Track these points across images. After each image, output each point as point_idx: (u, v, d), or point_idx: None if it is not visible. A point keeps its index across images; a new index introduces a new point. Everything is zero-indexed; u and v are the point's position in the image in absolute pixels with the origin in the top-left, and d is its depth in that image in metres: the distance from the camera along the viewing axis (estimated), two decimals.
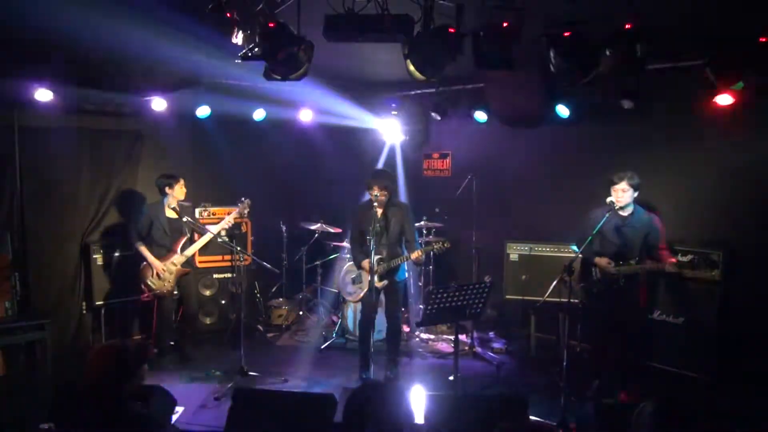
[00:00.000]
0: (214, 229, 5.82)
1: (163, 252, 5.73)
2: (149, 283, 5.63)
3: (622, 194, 4.80)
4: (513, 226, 6.89)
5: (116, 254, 6.23)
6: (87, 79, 5.52)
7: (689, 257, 4.93)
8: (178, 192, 5.78)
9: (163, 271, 5.62)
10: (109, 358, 2.62)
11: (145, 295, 5.67)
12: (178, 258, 5.73)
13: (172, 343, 6.24)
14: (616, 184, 4.83)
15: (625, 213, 4.87)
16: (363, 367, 5.51)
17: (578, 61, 3.72)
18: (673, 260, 4.69)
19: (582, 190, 6.07)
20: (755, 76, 4.09)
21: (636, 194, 4.82)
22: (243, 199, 6.17)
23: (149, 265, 5.65)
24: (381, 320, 5.64)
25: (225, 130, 6.91)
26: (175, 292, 5.87)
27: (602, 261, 4.85)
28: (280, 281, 7.37)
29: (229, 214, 6.44)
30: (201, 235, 5.88)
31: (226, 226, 5.94)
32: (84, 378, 2.59)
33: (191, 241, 5.90)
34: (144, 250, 5.66)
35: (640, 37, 3.60)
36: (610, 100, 5.53)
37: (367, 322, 5.42)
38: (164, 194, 5.76)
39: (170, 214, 5.80)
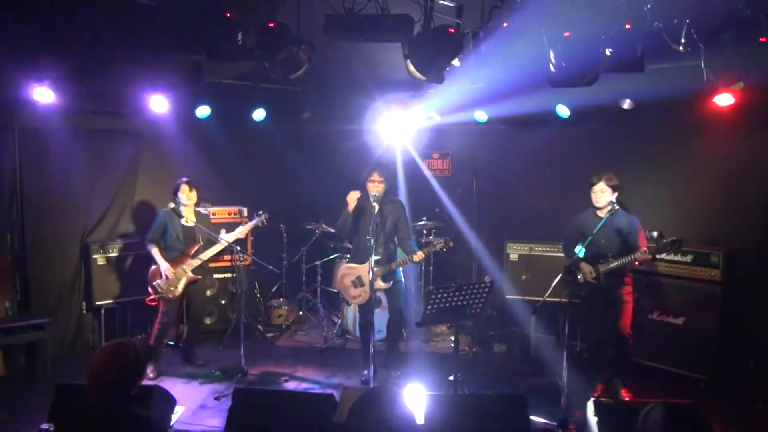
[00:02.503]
0: (226, 239, 5.76)
1: (175, 256, 5.61)
2: (156, 286, 5.49)
3: (601, 195, 4.83)
4: (513, 226, 6.89)
5: (116, 254, 6.24)
6: (87, 79, 5.52)
7: (656, 241, 4.85)
8: (183, 197, 5.61)
9: (172, 274, 5.49)
10: (119, 357, 2.58)
11: (151, 297, 5.56)
12: (189, 264, 5.62)
13: (171, 343, 6.24)
14: (594, 184, 4.86)
15: (605, 215, 4.88)
16: (366, 366, 5.51)
17: (578, 61, 3.73)
18: (643, 248, 4.68)
19: (582, 190, 6.05)
20: (755, 76, 4.08)
21: (615, 195, 4.81)
22: (261, 212, 6.06)
23: (158, 267, 5.53)
24: (381, 320, 5.64)
25: (225, 130, 6.91)
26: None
27: (585, 268, 4.87)
28: (280, 281, 7.37)
29: (229, 213, 6.45)
30: (212, 243, 5.77)
31: (241, 237, 5.85)
32: (90, 377, 2.54)
33: (204, 249, 5.77)
34: (155, 252, 5.53)
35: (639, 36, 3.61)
36: (609, 100, 5.53)
37: (366, 323, 5.43)
38: (176, 198, 5.63)
39: (186, 221, 5.66)
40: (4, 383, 5.34)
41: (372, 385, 4.90)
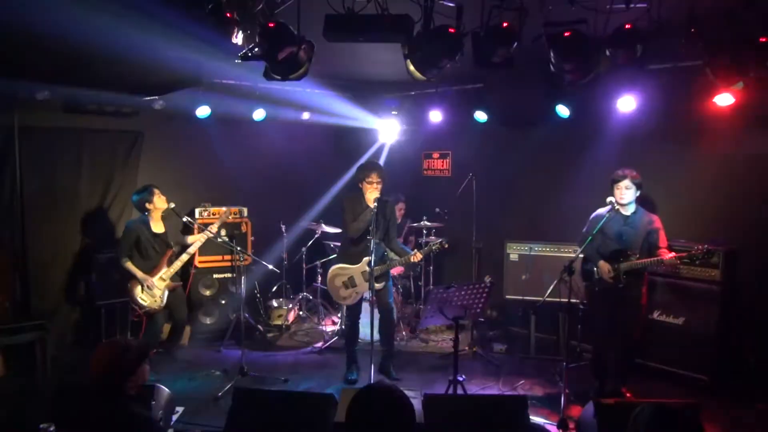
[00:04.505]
0: (199, 240, 5.74)
1: (151, 267, 5.50)
2: (139, 300, 5.39)
3: (625, 191, 4.80)
4: (513, 226, 6.89)
5: (116, 254, 6.23)
6: (87, 79, 5.52)
7: (683, 253, 4.85)
8: (159, 203, 5.50)
9: (152, 283, 5.39)
10: (111, 354, 2.64)
11: (136, 314, 5.46)
12: (166, 272, 5.52)
13: (158, 350, 5.98)
14: (618, 181, 4.84)
15: (627, 212, 4.88)
16: (349, 368, 5.54)
17: (578, 61, 3.72)
18: (673, 255, 4.69)
19: (582, 189, 6.07)
20: (755, 76, 4.08)
21: (638, 193, 4.83)
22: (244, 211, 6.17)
23: (137, 281, 5.41)
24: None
25: (225, 130, 6.91)
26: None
27: (604, 267, 4.85)
28: (280, 281, 7.38)
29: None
30: (185, 248, 5.73)
31: (210, 235, 5.74)
32: (87, 376, 2.60)
33: (177, 255, 5.69)
34: (130, 266, 5.40)
35: (639, 36, 3.61)
36: (609, 100, 5.53)
37: (353, 323, 5.48)
38: (146, 210, 5.50)
39: (156, 228, 5.56)
40: (4, 383, 5.34)
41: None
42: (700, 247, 4.61)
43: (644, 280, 4.91)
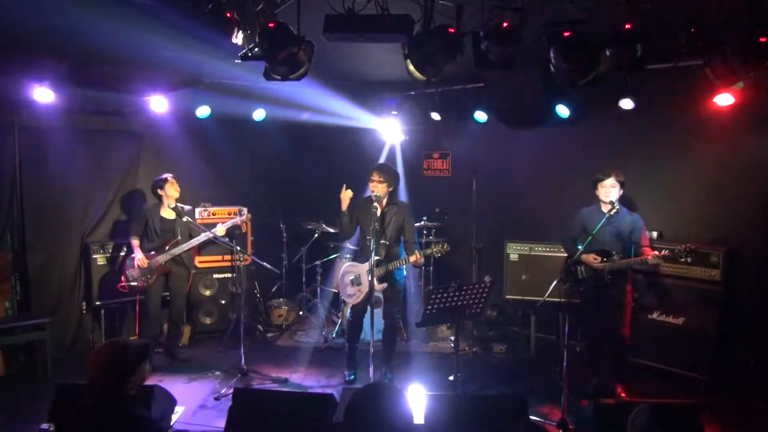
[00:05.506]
0: (208, 234, 5.85)
1: (151, 249, 5.76)
2: (127, 273, 5.71)
3: (611, 190, 4.83)
4: (513, 226, 6.89)
5: (116, 254, 6.24)
6: (87, 79, 5.52)
7: (665, 252, 4.83)
8: (170, 191, 5.77)
9: (144, 264, 5.64)
10: (110, 354, 2.64)
11: (121, 284, 5.73)
12: (162, 256, 5.73)
13: (158, 350, 6.07)
14: (603, 180, 4.86)
15: (611, 212, 4.90)
16: (349, 368, 5.53)
17: (578, 61, 3.72)
18: (656, 253, 4.70)
19: (582, 190, 6.05)
20: (755, 76, 4.08)
21: (621, 191, 4.84)
22: (243, 212, 6.45)
23: (132, 256, 5.73)
24: (380, 320, 5.63)
25: (225, 130, 6.90)
26: (166, 294, 5.92)
27: (589, 257, 4.88)
28: (280, 281, 7.38)
29: (229, 213, 6.46)
30: (191, 238, 5.87)
31: (220, 233, 5.88)
32: (86, 376, 2.60)
33: (181, 244, 5.85)
34: (134, 243, 5.74)
35: (640, 36, 3.60)
36: (609, 100, 5.53)
37: (356, 322, 5.44)
38: (158, 196, 5.82)
39: (165, 214, 5.82)
40: (4, 383, 5.35)
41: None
42: (684, 245, 4.62)
43: (627, 278, 4.93)
